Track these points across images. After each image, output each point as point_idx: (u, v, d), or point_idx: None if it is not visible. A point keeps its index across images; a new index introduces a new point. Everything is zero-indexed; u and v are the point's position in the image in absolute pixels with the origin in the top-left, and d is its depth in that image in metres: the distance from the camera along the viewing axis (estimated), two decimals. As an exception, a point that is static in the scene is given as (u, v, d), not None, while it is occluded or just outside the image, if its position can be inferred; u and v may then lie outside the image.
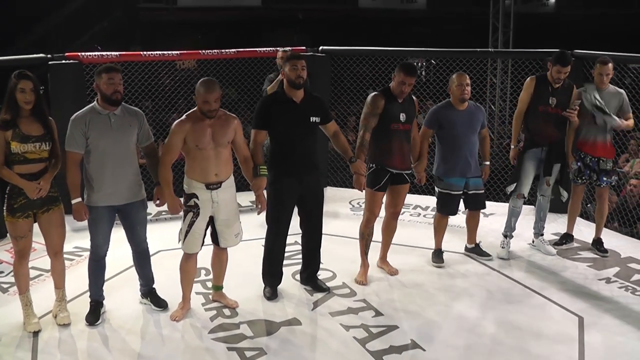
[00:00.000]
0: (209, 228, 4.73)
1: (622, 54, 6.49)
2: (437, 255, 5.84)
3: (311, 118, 4.87)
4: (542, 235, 6.17)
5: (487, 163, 5.81)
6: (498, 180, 7.73)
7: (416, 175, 5.54)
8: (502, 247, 6.00)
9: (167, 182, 4.56)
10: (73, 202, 4.44)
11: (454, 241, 6.14)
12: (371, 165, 5.21)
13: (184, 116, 4.58)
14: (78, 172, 4.47)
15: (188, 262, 4.76)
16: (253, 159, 4.77)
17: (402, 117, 5.17)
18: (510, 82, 11.31)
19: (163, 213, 6.90)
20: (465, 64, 7.90)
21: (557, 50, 6.00)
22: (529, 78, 5.89)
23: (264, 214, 4.95)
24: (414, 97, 5.37)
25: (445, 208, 5.74)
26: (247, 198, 6.75)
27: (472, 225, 5.95)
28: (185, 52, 7.87)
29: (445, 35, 16.11)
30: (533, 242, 6.22)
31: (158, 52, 7.52)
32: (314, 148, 4.99)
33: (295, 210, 5.05)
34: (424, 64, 12.56)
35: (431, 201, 7.58)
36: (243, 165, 4.77)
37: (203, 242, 4.71)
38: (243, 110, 8.92)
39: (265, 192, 4.85)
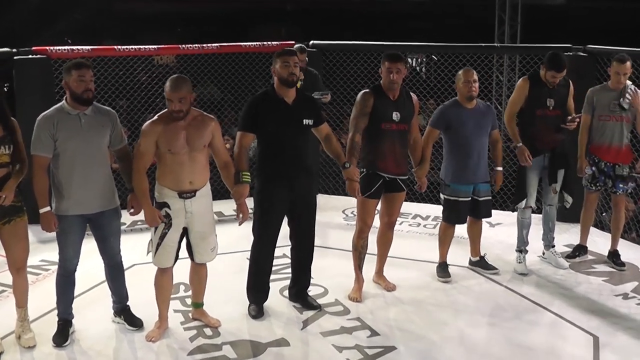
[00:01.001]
0: (184, 240, 4.70)
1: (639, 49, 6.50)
2: (443, 269, 5.84)
3: (304, 120, 4.85)
4: (554, 246, 6.17)
5: (500, 169, 5.80)
6: (505, 187, 7.72)
7: (417, 180, 5.53)
8: (519, 262, 5.99)
9: (143, 192, 4.52)
10: (41, 211, 4.40)
11: (458, 253, 6.13)
12: (362, 170, 5.20)
13: (155, 116, 4.55)
14: (46, 178, 4.44)
15: (163, 277, 4.73)
16: (236, 163, 4.74)
17: (395, 115, 5.16)
18: (518, 79, 11.32)
19: (139, 222, 6.86)
20: (469, 60, 7.91)
21: (560, 47, 6.01)
22: (521, 80, 5.90)
23: (247, 224, 4.93)
24: (413, 95, 5.37)
25: (453, 216, 5.74)
26: (230, 206, 6.71)
27: (474, 234, 5.95)
28: (163, 46, 7.85)
29: (447, 29, 16.16)
30: (544, 254, 6.22)
31: (133, 47, 7.50)
32: (307, 153, 4.97)
33: (285, 220, 5.03)
34: (424, 60, 12.58)
35: (432, 210, 7.60)
36: (223, 171, 4.73)
37: (177, 255, 4.68)
38: (227, 110, 8.90)
39: (252, 199, 4.83)
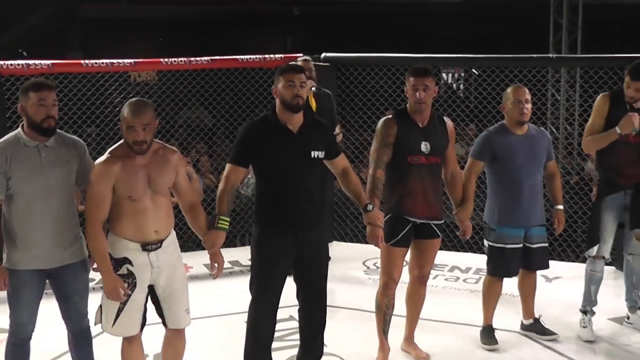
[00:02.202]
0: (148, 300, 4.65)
1: None
2: (488, 334, 5.82)
3: (312, 153, 4.84)
4: None
5: (560, 207, 5.79)
6: (564, 231, 7.68)
7: (459, 225, 5.53)
8: (584, 327, 5.94)
9: (102, 254, 4.44)
10: (-11, 265, 4.43)
11: (506, 315, 6.12)
12: (387, 214, 5.20)
13: (107, 154, 4.48)
14: (-5, 225, 4.47)
15: (131, 347, 4.66)
16: (217, 203, 4.76)
17: (425, 146, 5.19)
18: (580, 99, 11.34)
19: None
20: (517, 75, 7.95)
21: None
22: (600, 96, 5.84)
23: (245, 279, 4.92)
24: (447, 120, 5.40)
25: (500, 268, 5.72)
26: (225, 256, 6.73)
27: (527, 290, 5.93)
28: (141, 60, 7.91)
29: (489, 37, 16.18)
30: (628, 318, 6.15)
31: (105, 61, 7.55)
32: (316, 191, 4.93)
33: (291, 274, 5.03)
34: (462, 75, 12.62)
35: (474, 260, 7.59)
36: (189, 214, 4.71)
37: (144, 319, 4.63)
38: (220, 139, 8.96)
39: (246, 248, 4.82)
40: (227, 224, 4.73)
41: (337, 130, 7.24)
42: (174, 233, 4.65)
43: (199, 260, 7.03)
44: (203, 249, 4.78)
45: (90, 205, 4.43)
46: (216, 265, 4.73)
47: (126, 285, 4.47)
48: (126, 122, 4.38)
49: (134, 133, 4.35)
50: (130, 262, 4.48)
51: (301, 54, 7.99)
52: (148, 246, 4.47)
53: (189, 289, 4.71)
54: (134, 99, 4.52)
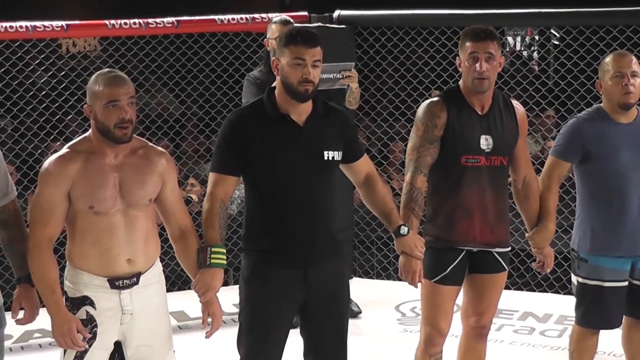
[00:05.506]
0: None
1: None
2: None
3: (326, 153, 4.84)
4: None
5: None
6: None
7: (535, 253, 5.55)
8: None
9: (50, 284, 4.43)
10: None
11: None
12: (428, 237, 5.22)
13: (64, 149, 4.50)
14: None
15: None
16: (204, 230, 4.75)
17: (486, 142, 5.19)
18: None
19: (36, 335, 6.92)
20: (617, 37, 7.93)
21: None
22: None
23: (230, 332, 4.96)
24: (515, 104, 5.40)
25: (595, 315, 5.67)
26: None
27: (636, 348, 5.89)
28: (77, 22, 7.92)
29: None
30: None
31: (24, 24, 7.55)
32: (330, 208, 4.96)
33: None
34: (537, 39, 12.61)
35: (556, 304, 7.60)
36: (178, 244, 4.71)
37: None
38: (190, 134, 8.97)
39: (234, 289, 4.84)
40: (224, 257, 4.69)
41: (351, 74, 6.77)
42: (159, 266, 4.66)
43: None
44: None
45: (35, 218, 4.43)
46: (210, 319, 4.69)
47: (81, 337, 4.42)
48: (106, 97, 4.33)
49: (117, 110, 4.32)
50: (92, 304, 4.46)
51: (305, 12, 7.96)
52: (118, 282, 4.45)
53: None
54: (103, 70, 4.51)
